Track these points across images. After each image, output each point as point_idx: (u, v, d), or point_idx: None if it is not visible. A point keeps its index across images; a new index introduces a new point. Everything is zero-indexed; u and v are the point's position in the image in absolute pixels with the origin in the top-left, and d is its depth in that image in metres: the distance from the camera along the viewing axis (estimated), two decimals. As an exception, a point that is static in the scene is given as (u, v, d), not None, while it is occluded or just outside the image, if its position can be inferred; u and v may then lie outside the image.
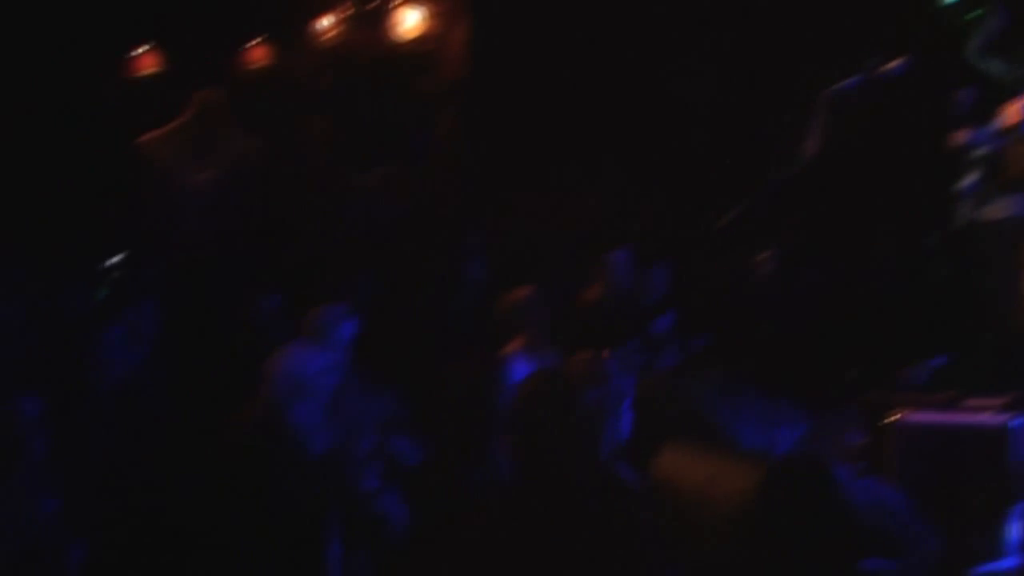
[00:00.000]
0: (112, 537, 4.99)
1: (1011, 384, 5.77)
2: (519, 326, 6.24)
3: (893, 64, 7.84)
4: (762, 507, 4.14)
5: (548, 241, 7.96)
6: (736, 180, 8.24)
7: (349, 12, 9.69)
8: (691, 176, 8.52)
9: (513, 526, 4.43)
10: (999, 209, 7.04)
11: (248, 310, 6.34)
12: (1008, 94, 7.01)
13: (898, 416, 5.39)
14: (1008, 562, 4.99)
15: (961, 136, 7.23)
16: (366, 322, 5.81)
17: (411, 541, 5.52)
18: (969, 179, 7.16)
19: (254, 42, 9.73)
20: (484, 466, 5.46)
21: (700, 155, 8.56)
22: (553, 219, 8.27)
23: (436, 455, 5.72)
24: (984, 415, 5.46)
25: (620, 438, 4.37)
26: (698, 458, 4.74)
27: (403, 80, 9.25)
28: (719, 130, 8.63)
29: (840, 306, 7.02)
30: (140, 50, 9.61)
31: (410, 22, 9.40)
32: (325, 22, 9.74)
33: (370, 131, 8.84)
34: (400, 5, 9.43)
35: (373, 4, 9.60)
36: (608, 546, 3.96)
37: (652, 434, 5.04)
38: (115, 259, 7.49)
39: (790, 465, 4.44)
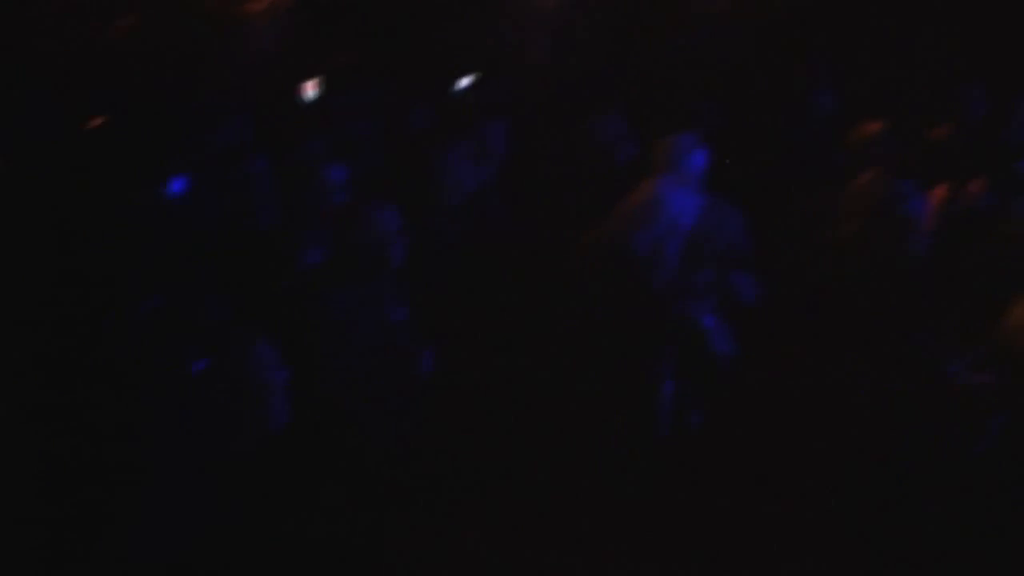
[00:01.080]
0: (456, 348, 5.16)
1: None
2: (869, 160, 6.01)
3: None
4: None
5: (902, 72, 7.58)
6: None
7: None
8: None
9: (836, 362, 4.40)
10: None
11: (592, 132, 6.33)
12: None
13: None
14: None
15: None
16: (713, 152, 5.71)
17: (739, 377, 5.50)
18: None
19: None
20: (817, 302, 5.36)
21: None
22: (908, 50, 7.86)
23: (774, 290, 5.63)
24: None
25: None
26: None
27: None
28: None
29: None
30: None
31: None
32: None
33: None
34: None
35: None
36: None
37: (1009, 278, 4.81)
38: (466, 79, 7.61)
39: None
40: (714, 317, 5.54)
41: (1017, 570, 3.77)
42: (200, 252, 3.05)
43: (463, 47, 8.05)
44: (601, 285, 5.38)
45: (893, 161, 5.95)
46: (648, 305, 5.36)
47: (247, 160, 5.92)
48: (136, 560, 2.03)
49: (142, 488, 2.04)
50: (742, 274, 5.60)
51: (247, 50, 8.54)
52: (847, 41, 7.99)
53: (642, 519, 5.03)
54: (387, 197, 5.10)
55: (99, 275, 1.88)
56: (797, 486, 4.82)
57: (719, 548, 4.86)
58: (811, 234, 5.43)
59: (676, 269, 5.38)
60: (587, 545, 4.86)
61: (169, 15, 8.31)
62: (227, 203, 5.46)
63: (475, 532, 4.79)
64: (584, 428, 5.40)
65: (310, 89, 7.94)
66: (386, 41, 8.21)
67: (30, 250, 1.88)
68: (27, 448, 1.90)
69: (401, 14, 8.39)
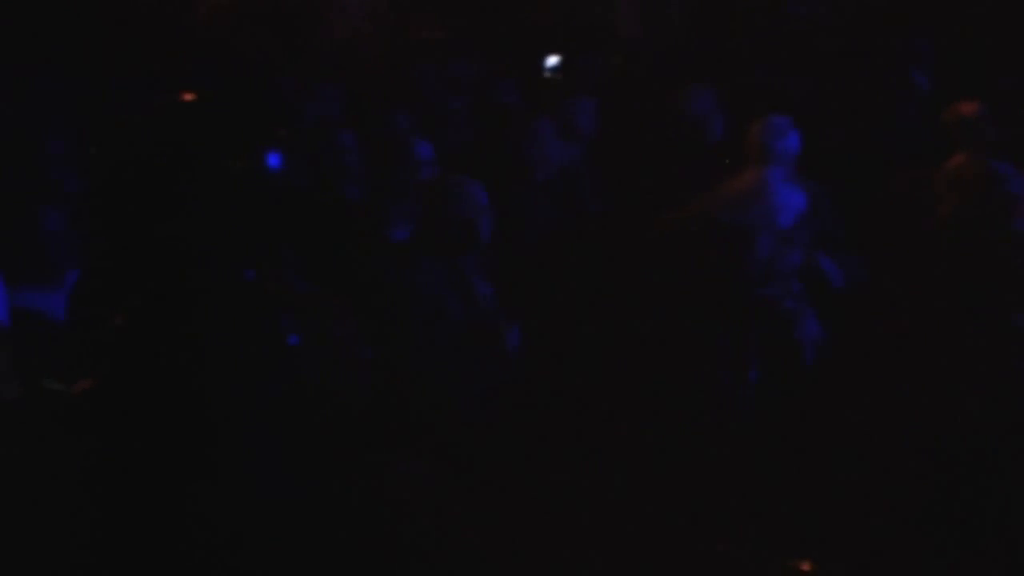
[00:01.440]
0: (539, 325, 5.14)
1: None
2: (964, 141, 5.90)
3: None
4: None
5: (1000, 50, 7.39)
6: None
7: None
8: None
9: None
10: None
11: (682, 106, 6.27)
12: None
13: None
14: None
15: None
16: (807, 130, 5.61)
17: (823, 366, 5.42)
18: None
19: None
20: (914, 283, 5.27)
21: None
22: (1009, 26, 7.66)
23: (868, 274, 5.55)
24: None
25: None
26: None
27: None
28: None
29: None
30: None
31: None
32: None
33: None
34: None
35: None
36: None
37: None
38: (555, 55, 7.59)
39: None
40: (798, 301, 5.47)
41: None
42: (289, 225, 3.07)
43: (553, 22, 8.04)
44: (689, 263, 5.32)
45: (990, 141, 5.84)
46: (735, 287, 5.30)
47: (335, 133, 5.96)
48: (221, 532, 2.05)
49: (231, 464, 2.05)
50: (830, 258, 5.52)
51: (339, 24, 8.62)
52: (944, 18, 7.82)
53: (718, 504, 4.97)
54: (475, 172, 5.09)
55: (196, 249, 1.89)
56: (882, 475, 4.75)
57: (799, 535, 4.81)
58: (906, 215, 5.33)
59: (766, 257, 5.31)
60: (662, 528, 4.83)
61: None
62: (315, 176, 5.50)
63: (551, 507, 4.77)
64: (665, 410, 5.35)
65: (401, 62, 7.99)
66: (476, 16, 8.22)
67: (128, 226, 1.90)
68: (119, 420, 1.92)
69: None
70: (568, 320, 5.40)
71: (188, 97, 2.05)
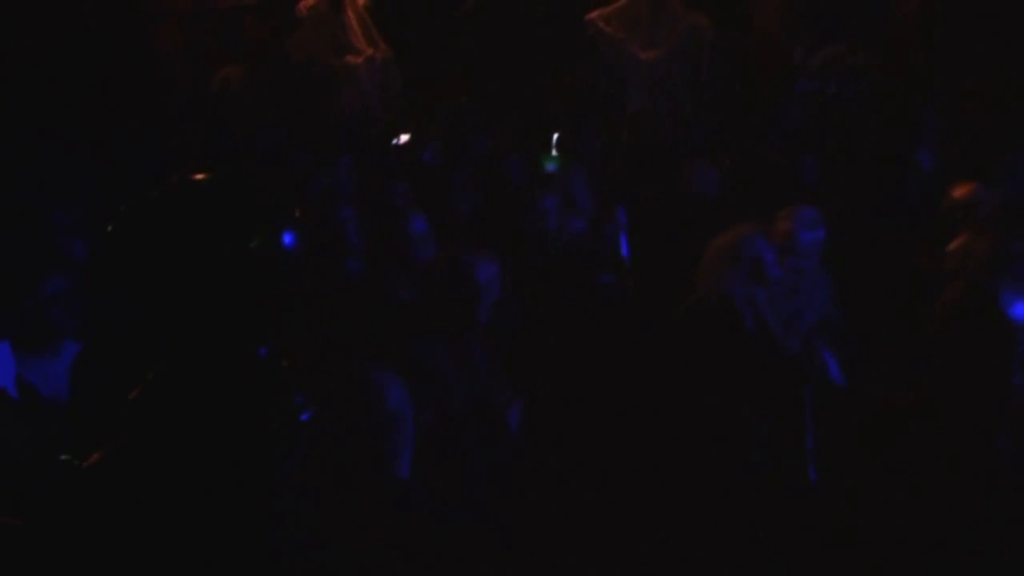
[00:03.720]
0: (549, 400, 5.09)
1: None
2: (964, 222, 5.91)
3: None
4: None
5: (1006, 131, 7.40)
6: None
7: None
8: None
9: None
10: None
11: (688, 182, 6.29)
12: None
13: None
14: None
15: None
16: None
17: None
18: None
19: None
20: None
21: None
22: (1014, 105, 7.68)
23: (862, 358, 5.51)
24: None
25: None
26: None
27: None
28: None
29: None
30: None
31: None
32: None
33: (820, 8, 8.49)
34: None
35: None
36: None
37: None
38: (556, 133, 7.63)
39: None
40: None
41: None
42: (296, 300, 3.10)
43: (563, 97, 8.11)
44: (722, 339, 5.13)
45: (988, 224, 5.83)
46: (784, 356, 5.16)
47: (336, 206, 5.97)
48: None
49: (247, 537, 2.04)
50: (831, 343, 5.45)
51: (349, 97, 8.73)
52: (953, 93, 7.82)
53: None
54: (478, 245, 5.08)
55: (212, 325, 1.90)
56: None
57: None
58: (916, 297, 5.33)
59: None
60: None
61: (271, 67, 8.50)
62: (317, 250, 5.50)
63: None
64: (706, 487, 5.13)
65: (404, 138, 8.04)
66: (480, 92, 8.29)
67: (142, 301, 1.91)
68: (134, 493, 1.92)
69: (498, 66, 8.47)
70: (572, 396, 5.35)
71: (205, 174, 2.07)
